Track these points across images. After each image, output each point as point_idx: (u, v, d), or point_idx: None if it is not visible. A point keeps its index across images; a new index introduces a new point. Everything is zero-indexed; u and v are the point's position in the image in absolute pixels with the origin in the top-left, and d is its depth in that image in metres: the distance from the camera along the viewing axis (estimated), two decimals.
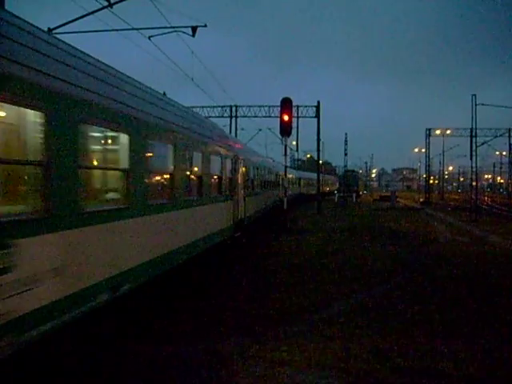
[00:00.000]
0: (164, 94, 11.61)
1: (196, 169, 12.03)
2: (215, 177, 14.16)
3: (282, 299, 11.13)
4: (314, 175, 54.64)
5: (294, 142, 55.40)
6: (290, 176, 46.05)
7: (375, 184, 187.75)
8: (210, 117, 45.14)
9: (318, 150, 46.38)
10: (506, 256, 18.51)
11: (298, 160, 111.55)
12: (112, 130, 7.62)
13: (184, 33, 16.51)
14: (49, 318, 5.49)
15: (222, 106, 46.89)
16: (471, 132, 44.29)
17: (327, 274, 14.34)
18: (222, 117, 47.57)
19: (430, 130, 66.55)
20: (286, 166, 29.00)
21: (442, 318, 9.84)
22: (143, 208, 8.31)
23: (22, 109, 5.39)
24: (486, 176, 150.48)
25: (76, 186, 6.19)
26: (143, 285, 8.28)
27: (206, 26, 16.59)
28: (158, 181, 10.00)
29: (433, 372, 7.06)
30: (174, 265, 9.92)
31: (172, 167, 10.07)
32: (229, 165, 15.97)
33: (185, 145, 10.80)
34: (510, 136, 73.71)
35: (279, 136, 27.04)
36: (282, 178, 31.47)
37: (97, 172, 7.70)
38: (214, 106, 46.45)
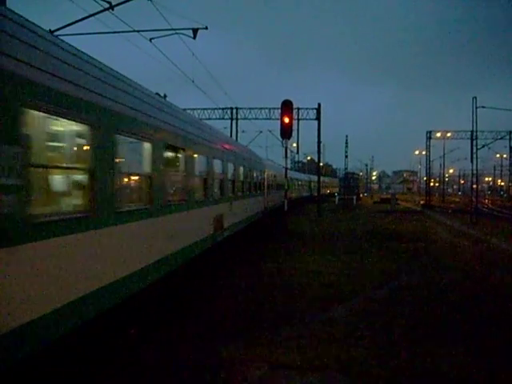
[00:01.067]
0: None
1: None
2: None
3: None
4: (313, 177, 54.65)
5: (295, 145, 55.46)
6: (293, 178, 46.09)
7: (376, 186, 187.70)
8: (211, 119, 45.19)
9: (319, 153, 46.42)
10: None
11: (299, 162, 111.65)
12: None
13: (185, 35, 16.57)
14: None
15: (223, 108, 46.88)
16: (472, 135, 44.34)
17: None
18: (223, 119, 47.61)
19: (430, 132, 66.44)
20: (286, 168, 29.01)
21: None
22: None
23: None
24: (487, 179, 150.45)
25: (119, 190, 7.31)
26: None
27: (206, 28, 16.64)
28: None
29: None
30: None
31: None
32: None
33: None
34: (510, 139, 73.77)
35: (280, 138, 27.06)
36: (288, 180, 31.66)
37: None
38: (214, 108, 46.44)
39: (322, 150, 47.43)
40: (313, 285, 13.12)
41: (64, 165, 6.42)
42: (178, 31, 16.53)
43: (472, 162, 41.79)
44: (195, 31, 16.42)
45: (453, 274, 15.04)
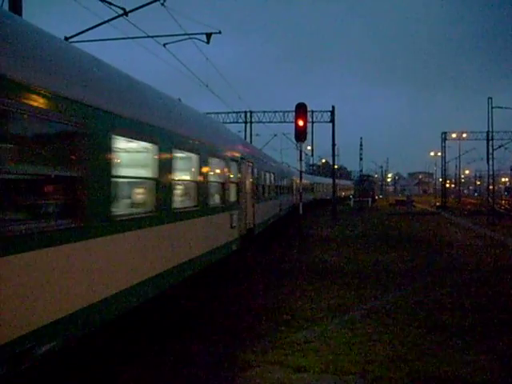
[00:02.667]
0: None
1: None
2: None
3: None
4: (327, 180, 54.62)
5: (309, 147, 55.44)
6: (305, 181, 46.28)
7: (391, 188, 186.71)
8: (225, 122, 45.29)
9: (333, 155, 46.35)
10: None
11: (313, 165, 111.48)
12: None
13: (199, 39, 16.64)
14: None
15: (237, 112, 46.95)
16: (487, 135, 44.00)
17: None
18: (237, 122, 47.70)
19: (445, 133, 65.94)
20: (301, 172, 28.96)
21: None
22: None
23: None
24: (503, 179, 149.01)
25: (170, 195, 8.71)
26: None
27: (220, 32, 16.70)
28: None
29: None
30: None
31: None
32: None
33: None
34: None
35: (294, 141, 27.03)
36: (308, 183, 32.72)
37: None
38: (228, 112, 46.55)
39: (336, 153, 47.23)
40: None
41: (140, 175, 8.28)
42: (191, 36, 16.60)
43: (488, 162, 41.48)
44: (209, 36, 16.48)
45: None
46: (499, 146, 51.24)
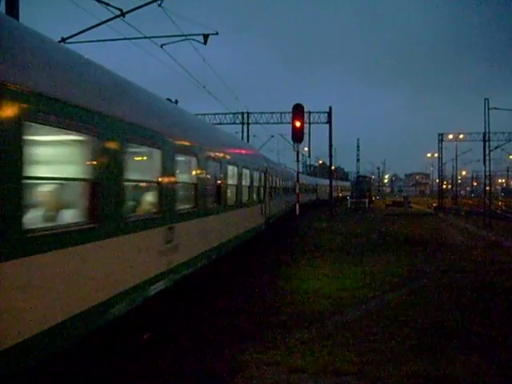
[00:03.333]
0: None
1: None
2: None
3: None
4: (326, 181, 54.70)
5: (306, 148, 55.43)
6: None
7: (388, 189, 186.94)
8: (222, 123, 45.29)
9: (330, 156, 46.43)
10: None
11: (310, 166, 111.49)
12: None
13: (196, 41, 16.64)
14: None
15: (234, 113, 46.94)
16: (484, 136, 44.02)
17: None
18: (234, 123, 47.65)
19: (442, 134, 66.01)
20: (298, 172, 29.02)
21: None
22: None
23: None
24: (500, 180, 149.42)
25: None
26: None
27: (217, 33, 16.70)
28: None
29: None
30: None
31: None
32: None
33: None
34: None
35: (291, 142, 27.11)
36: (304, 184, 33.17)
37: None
38: (225, 113, 46.53)
39: (333, 154, 47.29)
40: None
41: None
42: (188, 37, 16.60)
43: (485, 163, 41.52)
44: (206, 37, 16.48)
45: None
46: (496, 147, 51.37)
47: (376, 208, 65.40)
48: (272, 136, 50.17)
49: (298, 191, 28.59)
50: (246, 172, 15.97)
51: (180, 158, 9.30)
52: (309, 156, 58.42)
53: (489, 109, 37.02)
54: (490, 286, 13.68)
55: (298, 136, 24.96)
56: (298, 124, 24.52)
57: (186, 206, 9.82)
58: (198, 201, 10.32)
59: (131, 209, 7.59)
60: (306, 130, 32.61)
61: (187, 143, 9.96)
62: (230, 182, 13.63)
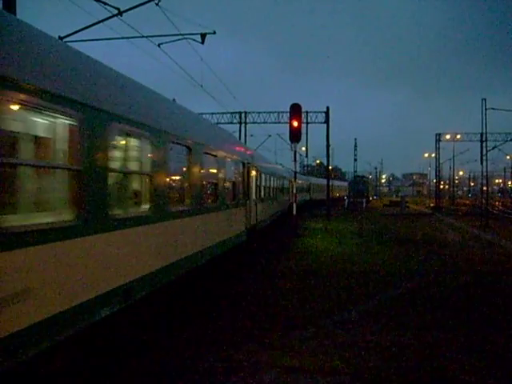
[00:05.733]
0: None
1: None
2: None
3: None
4: (323, 181, 54.66)
5: (304, 148, 55.43)
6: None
7: (385, 189, 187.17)
8: (220, 123, 45.20)
9: (328, 156, 46.33)
10: None
11: (308, 166, 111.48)
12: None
13: (193, 40, 16.62)
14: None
15: (232, 113, 46.86)
16: (481, 136, 44.14)
17: None
18: (232, 123, 47.56)
19: (439, 134, 66.17)
20: (295, 172, 28.97)
21: None
22: None
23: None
24: (497, 180, 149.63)
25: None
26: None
27: (214, 32, 16.69)
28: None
29: None
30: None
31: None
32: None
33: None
34: None
35: (289, 142, 27.09)
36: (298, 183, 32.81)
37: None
38: (223, 113, 46.50)
39: (331, 154, 47.26)
40: None
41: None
42: (186, 36, 16.58)
43: (482, 163, 41.52)
44: (203, 36, 16.47)
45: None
46: (493, 148, 51.43)
47: (373, 208, 65.41)
48: (269, 135, 50.16)
49: (295, 191, 28.57)
50: (208, 160, 11.66)
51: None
52: (306, 156, 58.38)
53: (486, 109, 37.09)
54: (482, 285, 13.75)
55: (295, 136, 25.01)
56: (295, 124, 24.57)
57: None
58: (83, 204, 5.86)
59: None
60: (303, 130, 32.64)
61: None
62: (169, 173, 9.12)
